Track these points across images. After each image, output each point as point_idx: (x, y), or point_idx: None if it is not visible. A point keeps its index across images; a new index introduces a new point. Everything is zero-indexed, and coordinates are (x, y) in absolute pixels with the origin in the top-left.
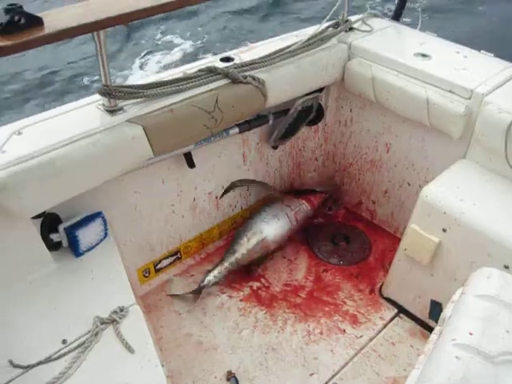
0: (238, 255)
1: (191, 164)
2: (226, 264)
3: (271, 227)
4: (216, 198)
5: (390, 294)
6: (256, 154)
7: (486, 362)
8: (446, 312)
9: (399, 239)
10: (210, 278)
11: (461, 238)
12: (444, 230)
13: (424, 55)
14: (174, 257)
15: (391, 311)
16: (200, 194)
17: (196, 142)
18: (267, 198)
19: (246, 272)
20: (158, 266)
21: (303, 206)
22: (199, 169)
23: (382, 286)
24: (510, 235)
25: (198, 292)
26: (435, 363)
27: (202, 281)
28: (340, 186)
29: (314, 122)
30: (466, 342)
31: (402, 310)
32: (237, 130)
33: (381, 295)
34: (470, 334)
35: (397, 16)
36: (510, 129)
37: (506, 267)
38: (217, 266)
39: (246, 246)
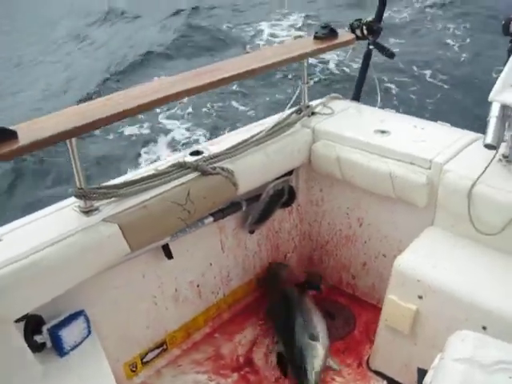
0: None
1: (169, 255)
2: None
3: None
4: (197, 286)
5: (378, 366)
6: (233, 240)
7: None
8: (427, 379)
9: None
10: None
11: (437, 303)
12: (420, 297)
13: (383, 131)
14: (160, 348)
15: (380, 383)
16: (181, 284)
17: (172, 234)
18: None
19: None
20: (145, 359)
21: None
22: (178, 259)
23: (369, 358)
24: (483, 296)
25: None
26: None
27: None
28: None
29: (287, 203)
30: None
31: (391, 382)
32: (211, 219)
33: (369, 368)
34: None
35: (356, 96)
36: (471, 193)
37: (484, 328)
38: None
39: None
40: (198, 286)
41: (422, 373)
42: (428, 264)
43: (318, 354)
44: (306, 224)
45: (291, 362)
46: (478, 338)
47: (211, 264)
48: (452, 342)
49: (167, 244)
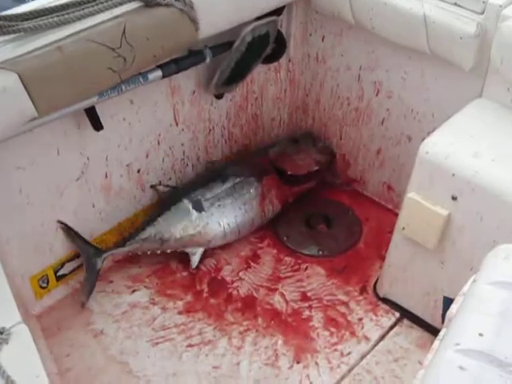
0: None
1: (97, 124)
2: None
3: (223, 215)
4: (138, 171)
5: (389, 292)
6: (192, 108)
7: (500, 371)
8: (453, 308)
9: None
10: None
11: (477, 207)
12: (454, 199)
13: None
14: None
15: (391, 316)
16: (114, 168)
17: (100, 92)
18: (214, 169)
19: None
20: (61, 272)
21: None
22: (110, 131)
23: (376, 282)
24: None
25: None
26: (433, 379)
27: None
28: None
29: (272, 57)
30: (473, 346)
31: (405, 314)
32: (159, 72)
33: (376, 295)
34: (480, 335)
35: None
36: None
37: None
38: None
39: (177, 233)
40: (138, 171)
41: (449, 303)
42: (469, 151)
43: (184, 228)
44: (299, 89)
45: None
46: None
47: (159, 141)
48: (491, 259)
49: (93, 107)
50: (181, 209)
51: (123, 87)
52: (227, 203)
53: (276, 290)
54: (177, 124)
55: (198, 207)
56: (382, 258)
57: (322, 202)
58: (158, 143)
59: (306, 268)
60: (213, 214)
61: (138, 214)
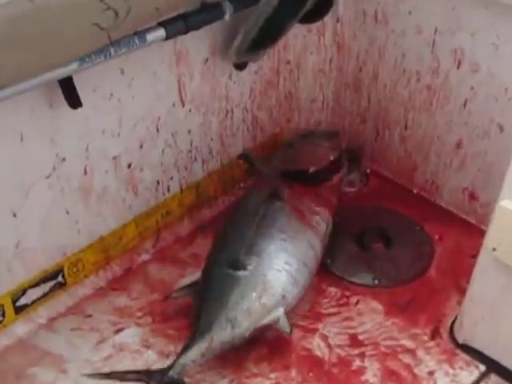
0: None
1: (74, 100)
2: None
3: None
4: (129, 167)
5: (471, 337)
6: (204, 82)
7: None
8: None
9: (485, 232)
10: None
11: None
12: None
13: None
14: (53, 282)
15: (473, 370)
16: (96, 161)
17: (81, 56)
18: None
19: None
20: (21, 302)
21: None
22: (92, 110)
23: (454, 323)
24: None
25: None
26: None
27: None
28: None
29: (315, 15)
30: None
31: (493, 367)
32: (161, 32)
33: (453, 340)
34: None
35: None
36: None
37: None
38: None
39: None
40: (129, 166)
41: None
42: None
43: (242, 297)
44: (349, 60)
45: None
46: None
47: (158, 126)
48: None
49: (71, 78)
50: (221, 281)
51: (112, 51)
52: (265, 243)
53: (316, 330)
54: (183, 104)
55: (239, 265)
56: (462, 291)
57: (378, 214)
58: (157, 129)
59: (357, 302)
60: (260, 263)
61: (126, 226)
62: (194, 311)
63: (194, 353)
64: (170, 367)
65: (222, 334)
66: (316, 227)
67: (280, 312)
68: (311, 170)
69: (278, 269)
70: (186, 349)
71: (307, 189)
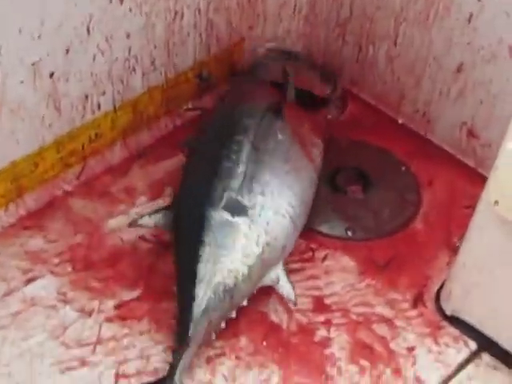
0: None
1: None
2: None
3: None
4: (51, 76)
5: (462, 307)
6: None
7: None
8: None
9: (485, 179)
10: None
11: None
12: None
13: None
14: None
15: (462, 347)
16: (10, 68)
17: None
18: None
19: None
20: None
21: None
22: (6, 2)
23: (441, 288)
24: None
25: None
26: None
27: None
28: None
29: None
30: None
31: (486, 345)
32: None
33: (439, 310)
34: None
35: None
36: None
37: None
38: None
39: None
40: (51, 75)
41: None
42: None
43: (244, 255)
44: None
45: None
46: None
47: (88, 27)
48: None
49: None
50: (217, 229)
51: None
52: (266, 175)
53: (272, 291)
54: (121, 0)
55: (238, 209)
56: (453, 250)
57: (355, 149)
58: (88, 30)
59: (325, 257)
60: (263, 206)
61: (47, 150)
62: (179, 260)
63: (193, 350)
64: (170, 375)
65: (220, 309)
66: (315, 161)
67: (279, 269)
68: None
69: (283, 213)
70: (182, 343)
71: (305, 112)
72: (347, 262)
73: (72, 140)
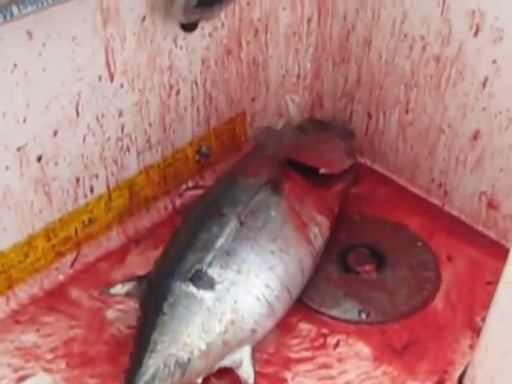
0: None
1: None
2: None
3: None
4: (39, 160)
5: None
6: (139, 48)
7: None
8: None
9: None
10: None
11: None
12: None
13: None
14: None
15: None
16: None
17: None
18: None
19: None
20: None
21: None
22: None
23: (463, 375)
24: None
25: None
26: None
27: None
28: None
29: None
30: None
31: None
32: None
33: None
34: None
35: None
36: None
37: None
38: None
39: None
40: (39, 159)
41: None
42: None
43: (202, 330)
44: (334, 20)
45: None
46: None
47: (78, 106)
48: None
49: None
50: (179, 301)
51: (15, 9)
52: (246, 252)
53: (283, 381)
54: (111, 77)
55: (204, 283)
56: (476, 331)
57: (368, 224)
58: (77, 111)
59: (338, 343)
60: (234, 283)
61: (37, 238)
62: (138, 329)
63: None
64: None
65: (169, 383)
66: (313, 242)
67: (246, 352)
68: (323, 170)
69: (256, 294)
70: None
71: (311, 187)
72: (361, 347)
73: (64, 226)
